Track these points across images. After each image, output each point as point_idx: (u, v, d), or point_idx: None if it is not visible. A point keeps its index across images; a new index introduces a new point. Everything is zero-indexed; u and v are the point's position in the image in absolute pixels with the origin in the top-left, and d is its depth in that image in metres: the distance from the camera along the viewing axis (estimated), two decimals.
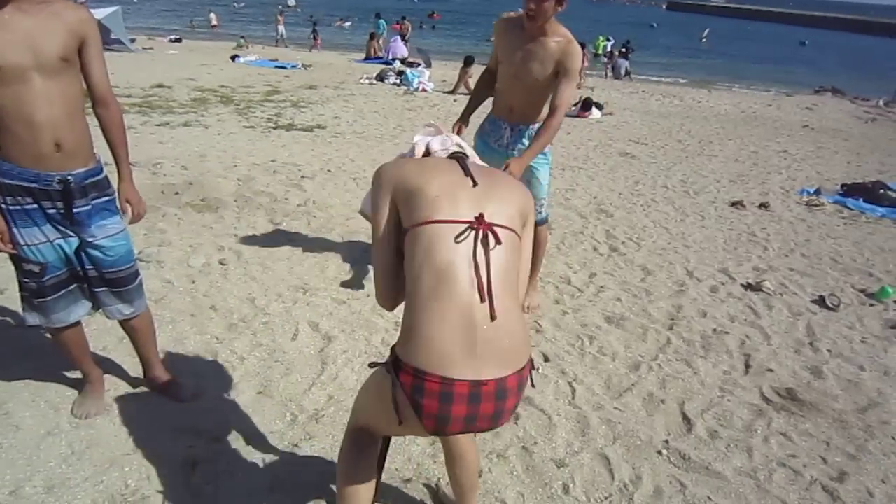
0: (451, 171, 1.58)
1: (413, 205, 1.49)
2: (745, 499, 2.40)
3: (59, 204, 2.23)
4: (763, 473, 2.53)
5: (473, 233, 1.46)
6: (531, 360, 1.54)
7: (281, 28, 24.15)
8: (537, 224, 3.47)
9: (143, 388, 2.77)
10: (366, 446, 1.74)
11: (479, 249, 1.45)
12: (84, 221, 2.27)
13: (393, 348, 1.50)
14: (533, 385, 1.66)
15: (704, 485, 2.45)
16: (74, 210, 2.24)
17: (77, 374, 2.70)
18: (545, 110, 3.26)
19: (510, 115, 3.35)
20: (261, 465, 2.38)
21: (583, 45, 18.38)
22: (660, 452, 2.61)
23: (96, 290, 2.42)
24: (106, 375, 2.78)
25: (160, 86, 10.96)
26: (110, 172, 2.39)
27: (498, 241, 1.47)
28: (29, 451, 2.36)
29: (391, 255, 1.58)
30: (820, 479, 2.52)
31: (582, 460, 2.52)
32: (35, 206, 2.21)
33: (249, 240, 4.49)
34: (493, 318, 1.41)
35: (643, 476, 2.46)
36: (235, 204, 5.25)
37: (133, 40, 17.35)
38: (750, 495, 2.41)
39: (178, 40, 20.40)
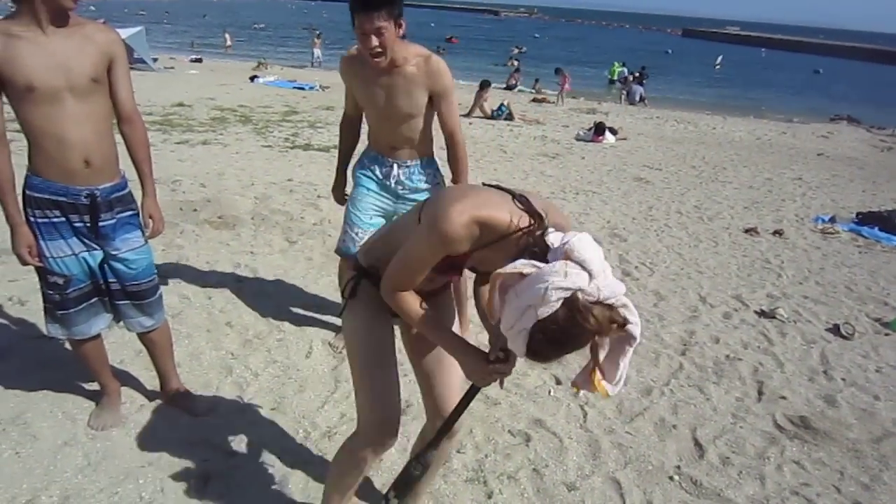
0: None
1: None
2: None
3: (86, 217, 2.30)
4: (776, 502, 2.51)
5: None
6: None
7: (317, 51, 24.49)
8: None
9: (158, 402, 2.81)
10: None
11: None
12: (109, 235, 2.34)
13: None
14: None
15: None
16: (100, 223, 2.30)
17: (95, 386, 2.75)
18: (430, 141, 3.03)
19: (394, 153, 3.00)
20: (274, 480, 2.40)
21: (558, 70, 18.14)
22: (671, 478, 2.60)
23: (118, 302, 2.48)
24: (122, 388, 2.83)
25: (181, 104, 11.17)
26: (134, 188, 2.45)
27: None
28: (46, 461, 2.40)
29: None
30: None
31: (593, 484, 2.52)
32: (62, 219, 2.27)
33: (265, 257, 4.56)
34: None
35: (654, 502, 2.45)
36: (252, 222, 5.32)
37: (155, 59, 17.70)
38: None
39: (198, 60, 20.79)
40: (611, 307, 1.33)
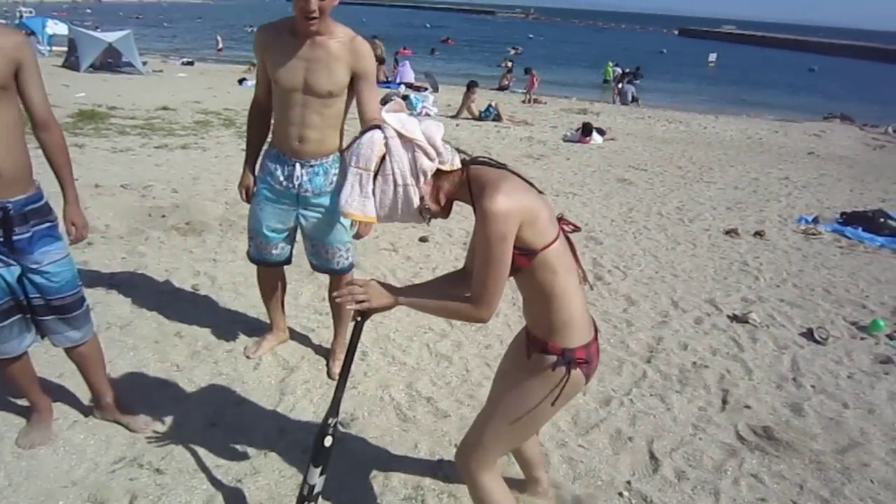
0: (528, 187, 1.71)
1: (539, 229, 1.66)
2: None
3: None
4: None
5: (561, 232, 1.75)
6: None
7: None
8: (342, 273, 3.06)
9: (94, 418, 2.71)
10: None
11: (569, 240, 1.79)
12: (25, 249, 2.21)
13: (549, 351, 1.74)
14: None
15: None
16: (14, 238, 2.18)
17: (27, 402, 2.65)
18: (338, 135, 2.86)
19: (298, 150, 2.79)
20: (201, 500, 2.30)
21: (528, 70, 18.23)
22: (621, 494, 2.50)
23: (43, 318, 2.36)
24: (58, 404, 2.74)
25: (165, 108, 11.08)
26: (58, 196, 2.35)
27: (574, 230, 1.85)
28: None
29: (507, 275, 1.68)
30: None
31: (536, 501, 2.42)
32: None
33: (227, 265, 4.45)
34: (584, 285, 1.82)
35: None
36: (220, 228, 5.23)
37: (144, 63, 17.60)
38: None
39: (190, 63, 20.69)
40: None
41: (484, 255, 1.61)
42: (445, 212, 1.77)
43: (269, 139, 2.96)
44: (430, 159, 1.64)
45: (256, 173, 2.98)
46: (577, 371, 1.73)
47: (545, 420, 1.88)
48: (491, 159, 1.76)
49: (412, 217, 1.70)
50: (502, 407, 1.84)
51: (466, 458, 1.89)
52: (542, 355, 1.75)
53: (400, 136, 1.61)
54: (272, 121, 2.91)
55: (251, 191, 3.04)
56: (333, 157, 2.87)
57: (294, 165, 2.82)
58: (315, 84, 2.66)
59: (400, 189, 1.63)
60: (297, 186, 2.85)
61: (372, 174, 1.62)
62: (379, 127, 1.63)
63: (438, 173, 1.67)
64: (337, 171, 2.87)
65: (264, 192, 2.94)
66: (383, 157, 1.61)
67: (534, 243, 1.64)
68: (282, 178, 2.86)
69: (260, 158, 2.99)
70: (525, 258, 1.65)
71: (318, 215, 2.91)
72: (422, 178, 1.64)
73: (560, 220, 1.78)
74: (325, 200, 2.88)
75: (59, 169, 2.31)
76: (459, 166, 1.70)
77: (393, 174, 1.62)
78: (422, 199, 1.66)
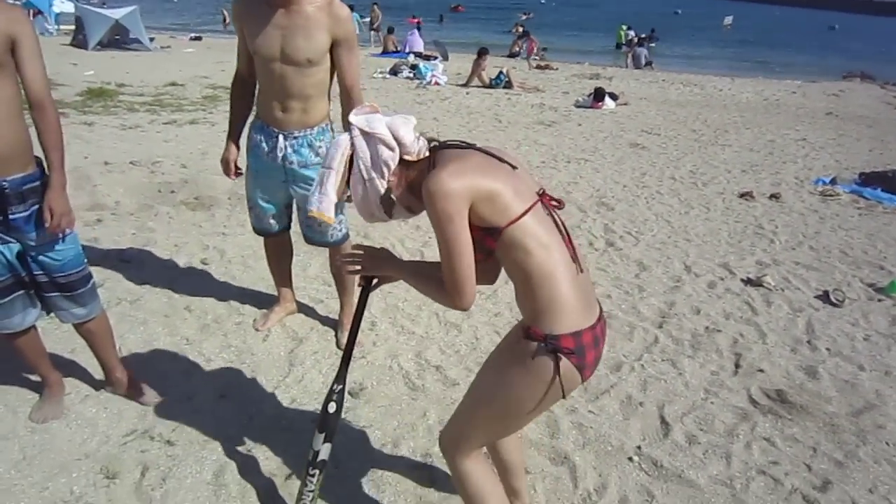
0: (497, 164, 1.62)
1: (500, 205, 1.54)
2: None
3: None
4: (740, 482, 2.40)
5: (543, 207, 1.62)
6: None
7: None
8: (336, 245, 2.96)
9: (105, 392, 2.73)
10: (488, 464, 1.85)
11: (556, 218, 1.64)
12: (22, 227, 2.19)
13: (531, 336, 1.55)
14: None
15: (675, 494, 2.32)
16: (11, 216, 2.15)
17: (39, 377, 2.67)
18: (324, 105, 2.80)
19: (282, 120, 2.75)
20: (211, 470, 2.32)
21: (527, 34, 18.44)
22: (631, 459, 2.49)
23: (48, 294, 2.36)
24: (70, 379, 2.77)
25: (173, 84, 11.03)
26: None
27: (557, 205, 1.68)
28: None
29: (472, 258, 1.56)
30: (801, 489, 2.38)
31: (545, 466, 2.41)
32: None
33: (236, 238, 4.45)
34: (580, 269, 1.62)
35: (609, 485, 2.34)
36: (228, 202, 5.22)
37: (152, 39, 17.51)
38: None
39: (198, 38, 20.55)
40: None
41: (441, 243, 1.51)
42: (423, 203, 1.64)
43: (254, 110, 2.93)
44: (391, 149, 1.63)
45: (248, 150, 2.94)
46: (565, 363, 1.53)
47: (526, 414, 1.66)
48: (461, 142, 1.70)
49: (398, 213, 1.72)
50: (481, 388, 1.73)
51: (446, 442, 1.80)
52: (525, 341, 1.57)
53: (363, 133, 1.64)
54: (256, 93, 2.87)
55: (232, 164, 3.02)
56: (319, 128, 2.82)
57: (277, 137, 2.78)
58: (292, 52, 2.60)
59: (368, 185, 1.65)
60: (281, 158, 2.81)
61: (333, 172, 1.66)
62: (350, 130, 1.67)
63: (406, 164, 1.65)
64: (323, 142, 2.83)
65: (252, 165, 2.93)
66: (353, 158, 1.65)
67: (495, 220, 1.52)
68: (266, 150, 2.83)
69: (247, 130, 2.95)
70: (490, 238, 1.54)
71: (309, 187, 2.86)
72: (385, 171, 1.63)
73: (542, 195, 1.64)
74: (313, 173, 2.82)
75: (47, 151, 2.20)
76: (427, 155, 1.66)
77: (360, 170, 1.64)
78: (388, 190, 1.65)
